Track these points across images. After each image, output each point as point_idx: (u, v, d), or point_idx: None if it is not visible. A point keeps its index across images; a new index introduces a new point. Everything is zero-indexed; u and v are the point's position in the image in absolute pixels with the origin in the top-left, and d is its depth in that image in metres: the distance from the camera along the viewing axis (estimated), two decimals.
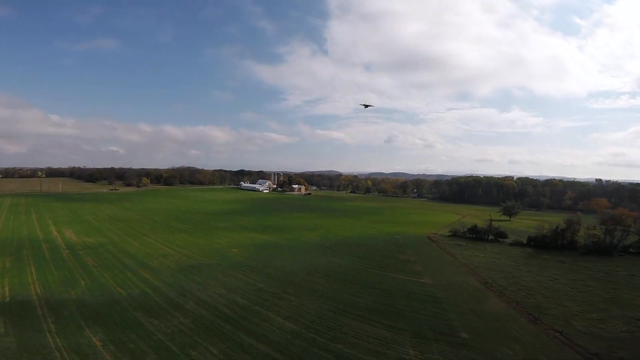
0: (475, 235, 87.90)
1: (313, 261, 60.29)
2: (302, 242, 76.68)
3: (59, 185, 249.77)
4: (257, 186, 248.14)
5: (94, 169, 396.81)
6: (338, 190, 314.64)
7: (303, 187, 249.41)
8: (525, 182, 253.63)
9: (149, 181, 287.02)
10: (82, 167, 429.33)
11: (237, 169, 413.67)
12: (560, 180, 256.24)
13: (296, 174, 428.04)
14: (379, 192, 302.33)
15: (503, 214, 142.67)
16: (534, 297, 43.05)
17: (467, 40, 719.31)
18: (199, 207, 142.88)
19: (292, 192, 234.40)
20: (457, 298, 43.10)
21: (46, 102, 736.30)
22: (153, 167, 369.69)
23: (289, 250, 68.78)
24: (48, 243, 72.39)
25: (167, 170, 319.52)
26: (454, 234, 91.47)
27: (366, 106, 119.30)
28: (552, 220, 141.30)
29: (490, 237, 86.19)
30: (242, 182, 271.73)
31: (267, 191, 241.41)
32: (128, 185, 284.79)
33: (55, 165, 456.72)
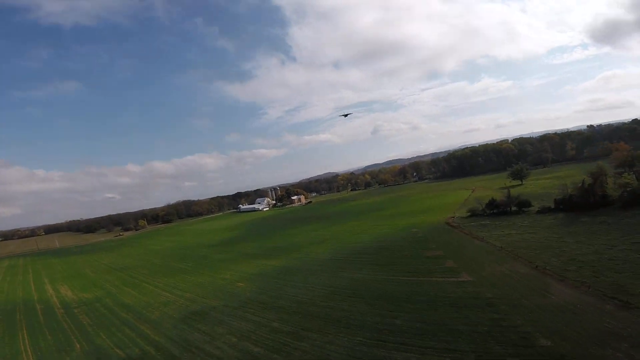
0: (496, 210, 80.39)
1: (329, 282, 52.23)
2: (313, 260, 68.63)
3: (56, 241, 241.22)
4: (256, 206, 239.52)
5: (91, 219, 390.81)
6: (338, 192, 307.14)
7: (303, 197, 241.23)
8: (521, 142, 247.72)
9: (145, 222, 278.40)
10: (80, 219, 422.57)
11: (235, 192, 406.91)
12: (556, 134, 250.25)
13: (293, 185, 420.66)
14: (379, 184, 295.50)
15: (513, 179, 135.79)
16: (604, 275, 35.20)
17: (419, 20, 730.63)
18: (199, 241, 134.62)
19: (293, 204, 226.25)
20: (512, 294, 35.21)
21: (27, 159, 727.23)
22: (150, 207, 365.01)
23: (299, 274, 60.72)
24: (43, 303, 68.46)
25: (163, 208, 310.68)
26: (473, 214, 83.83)
27: (346, 115, 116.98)
28: (566, 175, 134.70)
29: (513, 208, 78.67)
30: (240, 205, 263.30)
31: (267, 208, 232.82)
32: (126, 230, 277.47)
33: (54, 221, 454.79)
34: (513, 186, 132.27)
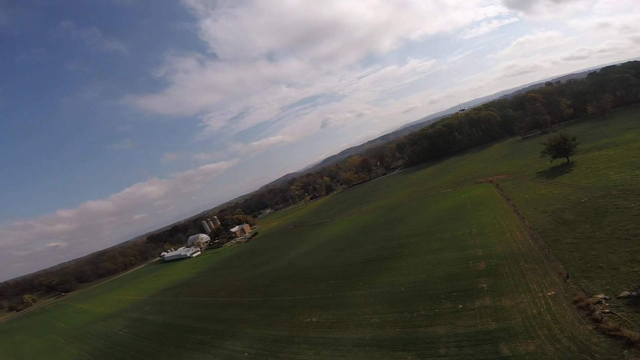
0: None
1: None
2: None
3: None
4: (182, 252, 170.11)
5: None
6: (295, 204, 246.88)
7: (246, 226, 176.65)
8: (500, 107, 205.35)
9: (32, 299, 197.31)
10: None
11: (171, 226, 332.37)
12: (532, 92, 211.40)
13: (258, 194, 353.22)
14: (342, 184, 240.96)
15: (555, 157, 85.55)
16: None
17: None
18: None
19: (232, 240, 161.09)
20: None
21: None
22: (104, 248, 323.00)
23: None
24: None
25: (58, 271, 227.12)
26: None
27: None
28: (625, 141, 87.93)
29: None
30: (164, 253, 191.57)
31: (199, 253, 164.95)
32: (11, 309, 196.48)
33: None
34: (559, 168, 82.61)
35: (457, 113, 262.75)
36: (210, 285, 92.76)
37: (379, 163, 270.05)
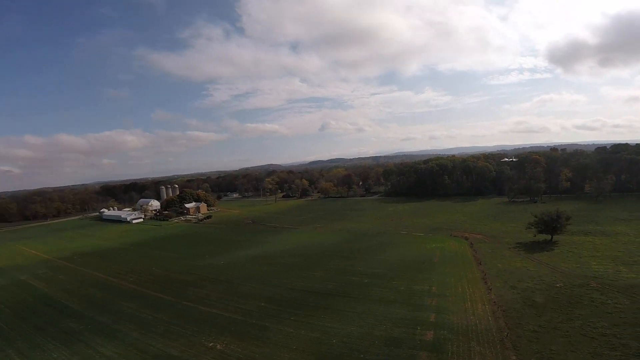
0: None
1: None
2: None
3: None
4: (123, 215, 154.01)
5: None
6: (265, 197, 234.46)
7: (203, 205, 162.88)
8: (500, 162, 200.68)
9: None
10: None
11: (130, 182, 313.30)
12: (536, 154, 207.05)
13: (231, 173, 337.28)
14: (318, 193, 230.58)
15: (539, 232, 78.22)
16: None
17: (397, 9, 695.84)
18: None
19: (181, 217, 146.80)
20: None
21: None
22: (59, 185, 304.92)
23: None
24: None
25: None
26: None
27: None
28: (616, 232, 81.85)
29: None
30: (104, 209, 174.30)
31: (140, 220, 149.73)
32: None
33: None
34: (540, 244, 75.30)
35: (453, 156, 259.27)
36: (126, 263, 79.89)
37: (361, 183, 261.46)
